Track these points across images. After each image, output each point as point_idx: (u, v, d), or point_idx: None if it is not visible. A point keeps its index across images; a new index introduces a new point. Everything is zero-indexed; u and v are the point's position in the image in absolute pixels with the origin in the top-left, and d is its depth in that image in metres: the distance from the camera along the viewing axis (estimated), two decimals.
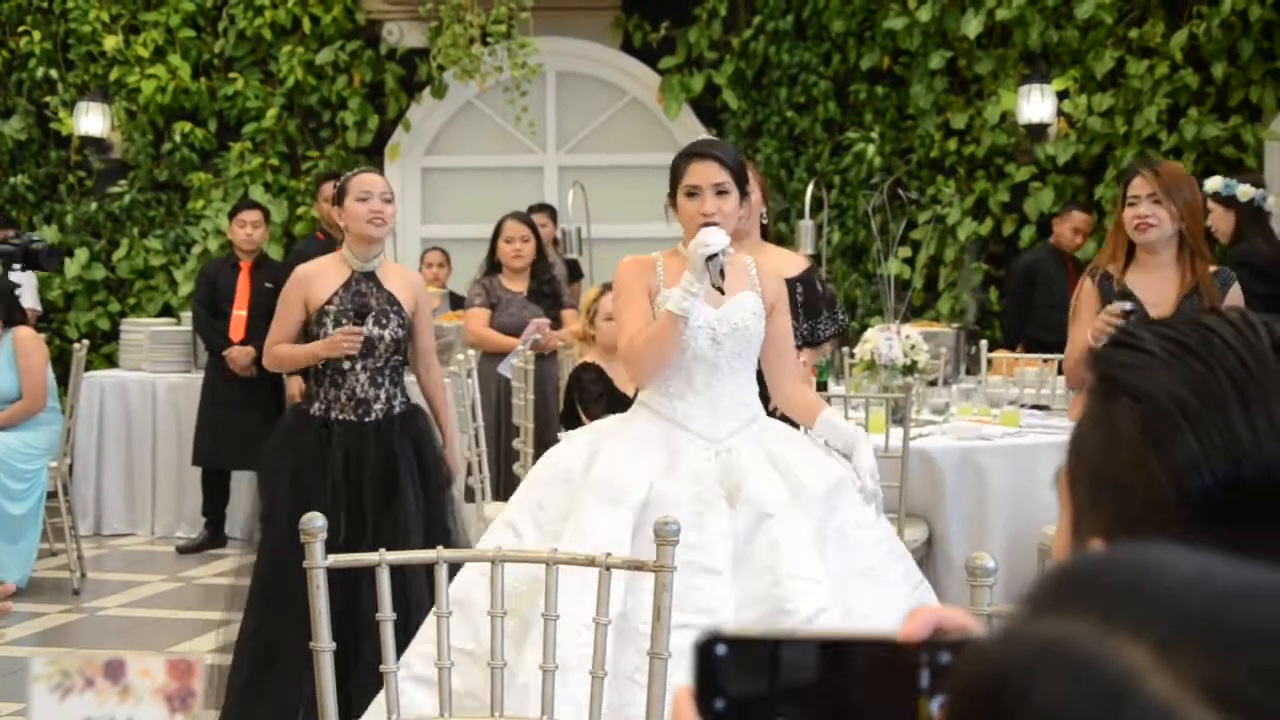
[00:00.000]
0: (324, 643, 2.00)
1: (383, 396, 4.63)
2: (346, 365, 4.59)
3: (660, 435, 3.59)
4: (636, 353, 3.62)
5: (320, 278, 4.67)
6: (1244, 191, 6.73)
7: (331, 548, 4.23)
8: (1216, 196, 6.81)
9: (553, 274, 7.22)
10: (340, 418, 4.60)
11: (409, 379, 4.86)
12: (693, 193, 3.68)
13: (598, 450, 3.58)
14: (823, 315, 4.83)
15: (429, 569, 4.08)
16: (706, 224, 3.60)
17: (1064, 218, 8.53)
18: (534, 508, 3.54)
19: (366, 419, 4.60)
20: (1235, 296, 4.41)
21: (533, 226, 7.14)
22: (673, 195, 3.76)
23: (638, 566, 2.03)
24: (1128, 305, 4.20)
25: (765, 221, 4.72)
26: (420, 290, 4.80)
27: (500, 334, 6.82)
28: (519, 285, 7.04)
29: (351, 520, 4.46)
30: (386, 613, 2.09)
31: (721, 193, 3.66)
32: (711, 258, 3.47)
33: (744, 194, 3.76)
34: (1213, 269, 4.41)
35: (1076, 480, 0.95)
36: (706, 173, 3.67)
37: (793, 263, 4.81)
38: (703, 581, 3.24)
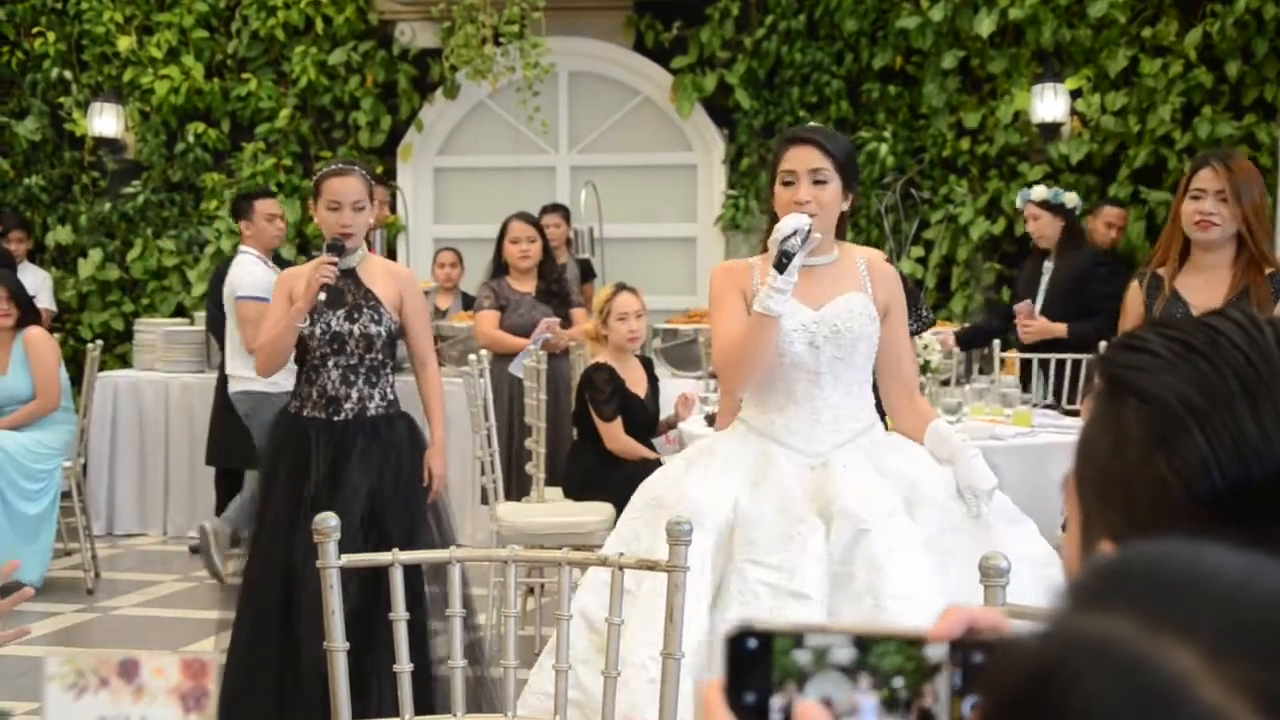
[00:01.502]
0: (338, 642, 2.00)
1: (354, 396, 4.46)
2: (316, 361, 4.45)
3: (753, 451, 3.38)
4: (728, 359, 3.40)
5: (302, 277, 4.52)
6: (1070, 198, 7.14)
7: (288, 550, 4.24)
8: (1045, 204, 7.04)
9: (561, 274, 7.23)
10: (311, 415, 4.48)
11: (405, 381, 4.71)
12: (788, 180, 3.40)
13: (688, 472, 3.41)
14: (909, 312, 4.77)
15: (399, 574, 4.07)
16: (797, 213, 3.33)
17: (1098, 212, 8.51)
18: (631, 539, 3.34)
19: (336, 418, 4.45)
20: None
21: (538, 227, 7.15)
22: (770, 184, 3.49)
23: (650, 566, 2.03)
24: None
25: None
26: (408, 286, 4.63)
27: (511, 335, 6.82)
28: (527, 286, 7.05)
29: (302, 520, 4.25)
30: (400, 612, 2.09)
31: (819, 181, 3.38)
32: (785, 239, 3.22)
33: (851, 186, 3.46)
34: (1268, 271, 4.07)
35: (1085, 483, 0.95)
36: (804, 158, 3.39)
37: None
38: (790, 606, 3.03)
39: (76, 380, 7.61)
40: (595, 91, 10.16)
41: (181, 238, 10.30)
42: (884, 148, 9.30)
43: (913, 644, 0.76)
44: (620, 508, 4.74)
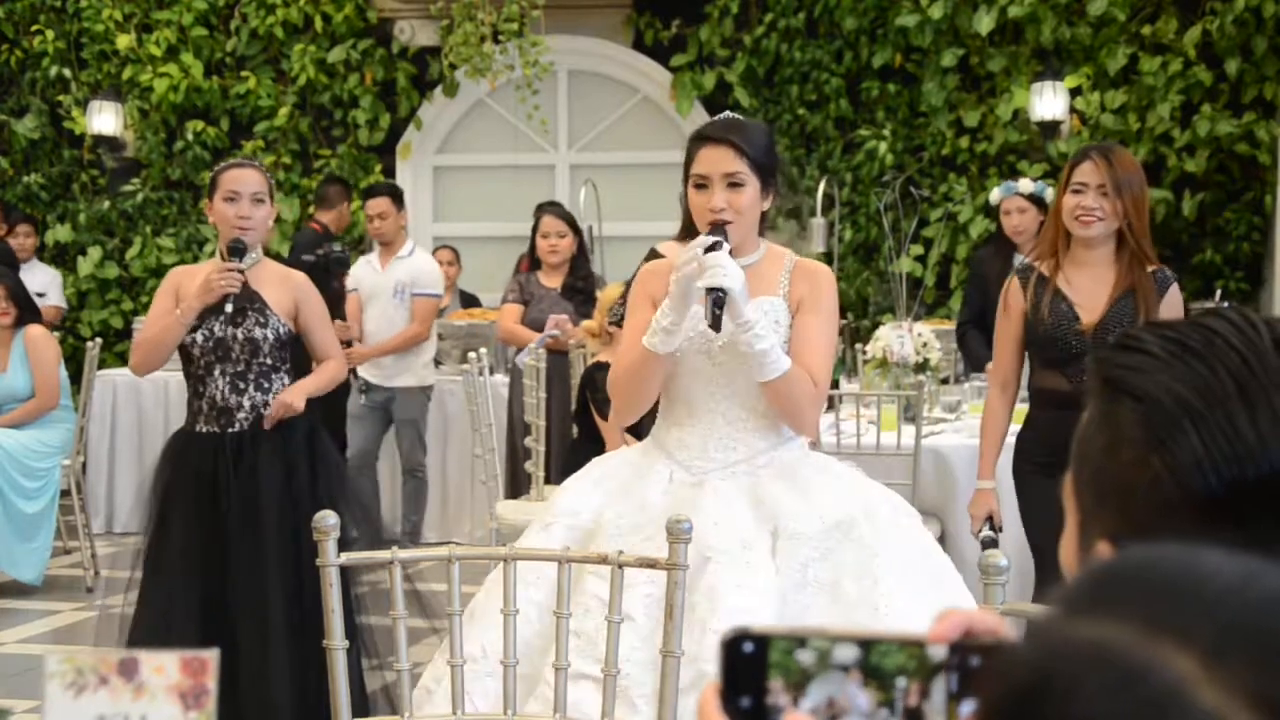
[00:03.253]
0: (337, 640, 2.01)
1: (246, 404, 4.19)
2: (202, 370, 4.19)
3: (638, 463, 3.16)
4: (614, 387, 3.16)
5: (191, 277, 4.27)
6: (1050, 193, 7.03)
7: (187, 571, 4.00)
8: (1031, 197, 6.95)
9: (590, 271, 7.20)
10: (203, 429, 4.20)
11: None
12: (701, 184, 3.10)
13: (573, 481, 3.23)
14: None
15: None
16: (713, 226, 3.04)
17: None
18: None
19: (229, 429, 4.18)
20: (1175, 299, 4.04)
21: (571, 222, 7.12)
22: (684, 183, 3.21)
23: (650, 564, 2.03)
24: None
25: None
26: (302, 291, 4.34)
27: (529, 330, 6.81)
28: (554, 281, 7.03)
29: (209, 543, 4.09)
30: (399, 610, 2.10)
31: (735, 185, 3.07)
32: (711, 290, 2.89)
33: (769, 184, 3.15)
34: (1150, 268, 4.00)
35: (1081, 483, 0.96)
36: (717, 160, 3.08)
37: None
38: (618, 628, 2.70)
39: (76, 378, 7.61)
40: (594, 90, 10.16)
41: (181, 236, 10.30)
42: (883, 146, 9.30)
43: (914, 644, 0.76)
44: None
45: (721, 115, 3.28)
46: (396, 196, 7.81)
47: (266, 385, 4.23)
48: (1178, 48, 8.89)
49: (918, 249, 9.29)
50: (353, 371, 7.38)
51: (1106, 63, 8.99)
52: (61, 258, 10.47)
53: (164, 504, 4.18)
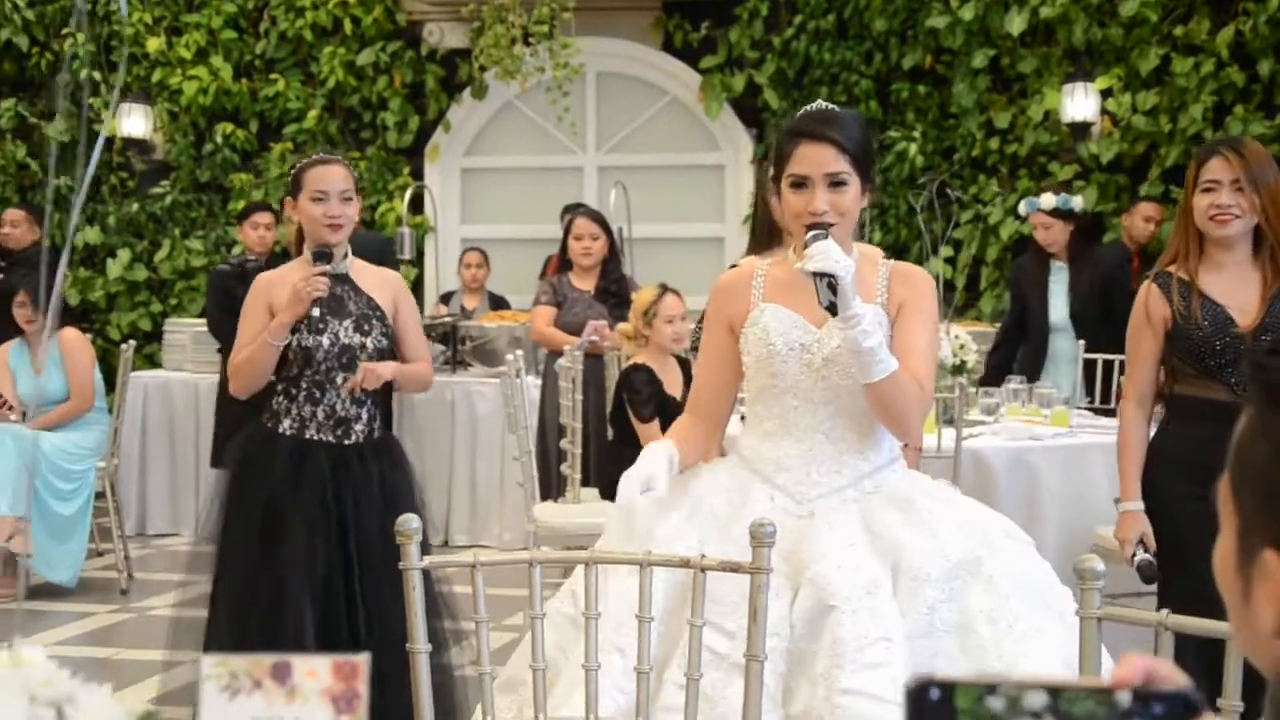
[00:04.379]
0: (420, 644, 2.00)
1: (364, 417, 4.08)
2: (322, 377, 4.03)
3: (734, 489, 2.91)
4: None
5: (284, 284, 4.07)
6: (1078, 202, 7.01)
7: (307, 573, 3.82)
8: (1056, 211, 6.87)
9: (621, 273, 7.17)
10: (318, 438, 4.04)
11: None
12: (799, 183, 2.87)
13: (657, 508, 2.92)
14: None
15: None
16: (813, 226, 2.82)
17: (1133, 210, 8.46)
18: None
19: (347, 441, 4.05)
20: None
21: (603, 224, 7.10)
22: (776, 181, 2.97)
23: (734, 569, 2.02)
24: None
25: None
26: (400, 290, 4.26)
27: (564, 333, 6.80)
28: (587, 284, 7.00)
29: (332, 556, 3.96)
30: (482, 613, 2.09)
31: (837, 184, 2.86)
32: (821, 276, 2.72)
33: (868, 180, 2.95)
34: None
35: (1242, 490, 0.94)
36: (818, 158, 2.86)
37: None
38: (735, 681, 2.43)
39: (106, 381, 7.62)
40: (623, 92, 10.15)
41: (209, 238, 10.33)
42: (913, 147, 9.28)
43: (1102, 691, 0.76)
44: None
45: (814, 105, 3.03)
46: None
47: (378, 398, 4.14)
48: (1210, 48, 8.85)
49: (948, 251, 9.27)
50: None
51: (1138, 63, 8.95)
52: (90, 260, 10.50)
53: (268, 508, 4.00)
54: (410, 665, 1.98)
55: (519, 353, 6.01)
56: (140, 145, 10.27)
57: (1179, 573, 3.73)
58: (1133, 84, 9.01)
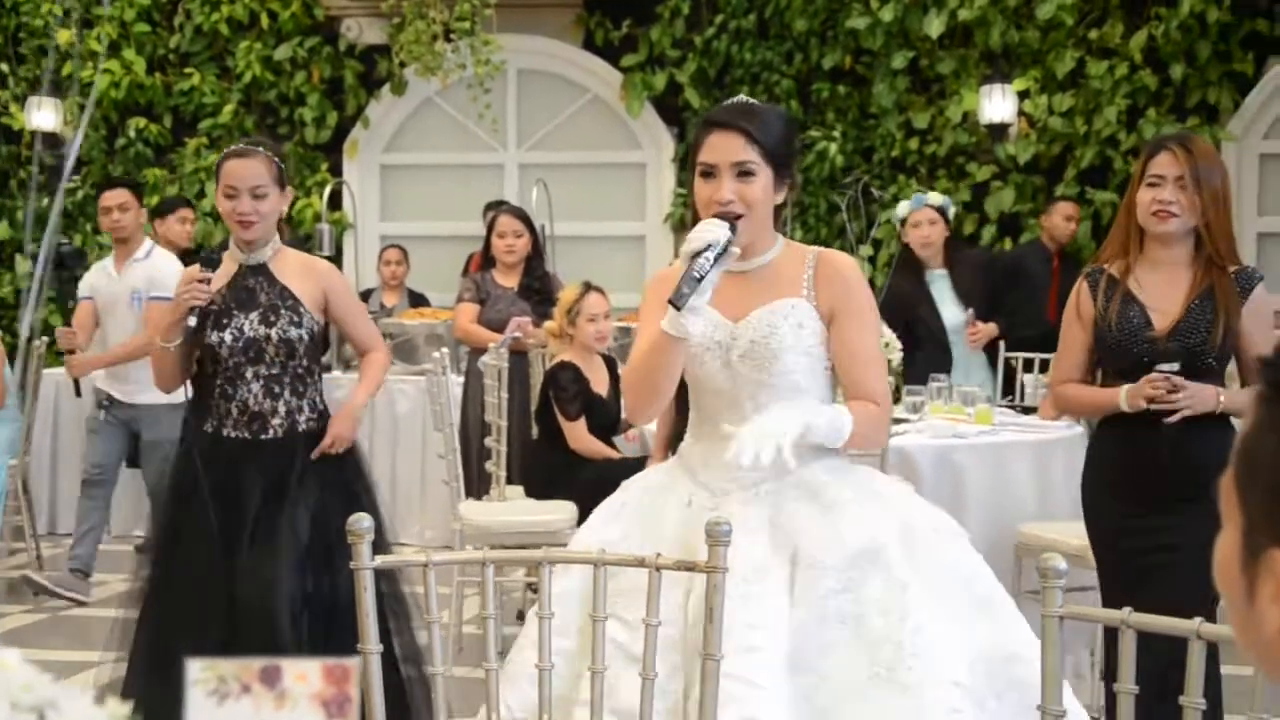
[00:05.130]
0: (371, 644, 1.97)
1: (281, 409, 3.96)
2: (231, 372, 3.95)
3: (661, 486, 2.91)
4: (627, 380, 2.97)
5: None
6: (950, 205, 7.04)
7: (208, 573, 3.76)
8: (941, 210, 6.86)
9: (545, 270, 7.14)
10: (233, 435, 3.96)
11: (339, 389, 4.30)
12: (707, 172, 2.84)
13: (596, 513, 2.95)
14: None
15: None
16: (718, 215, 2.79)
17: (1051, 209, 8.56)
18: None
19: (264, 436, 3.96)
20: (1261, 301, 3.69)
21: (527, 221, 7.06)
22: (690, 174, 2.94)
23: (689, 568, 2.01)
24: (1174, 366, 3.59)
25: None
26: (330, 279, 4.09)
27: (487, 330, 6.76)
28: (510, 281, 6.96)
29: (231, 547, 3.88)
30: (434, 614, 2.06)
31: (745, 174, 2.81)
32: (698, 253, 2.67)
33: (784, 174, 2.89)
34: (1231, 269, 3.66)
35: (1247, 488, 0.94)
36: (726, 147, 2.82)
37: None
38: (626, 672, 2.47)
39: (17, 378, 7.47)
40: (545, 89, 10.12)
41: None
42: (834, 147, 9.34)
43: None
44: (583, 506, 4.70)
45: (735, 99, 3.02)
46: (138, 191, 7.11)
47: (301, 390, 4.00)
48: (1124, 52, 8.99)
49: (867, 250, 9.33)
50: (78, 383, 6.94)
51: (1054, 66, 9.07)
52: None
53: (181, 506, 3.99)
54: (363, 667, 1.95)
55: (444, 350, 5.97)
56: (50, 139, 10.08)
57: (1111, 589, 3.77)
58: (1049, 86, 9.12)
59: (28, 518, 7.01)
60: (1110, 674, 3.68)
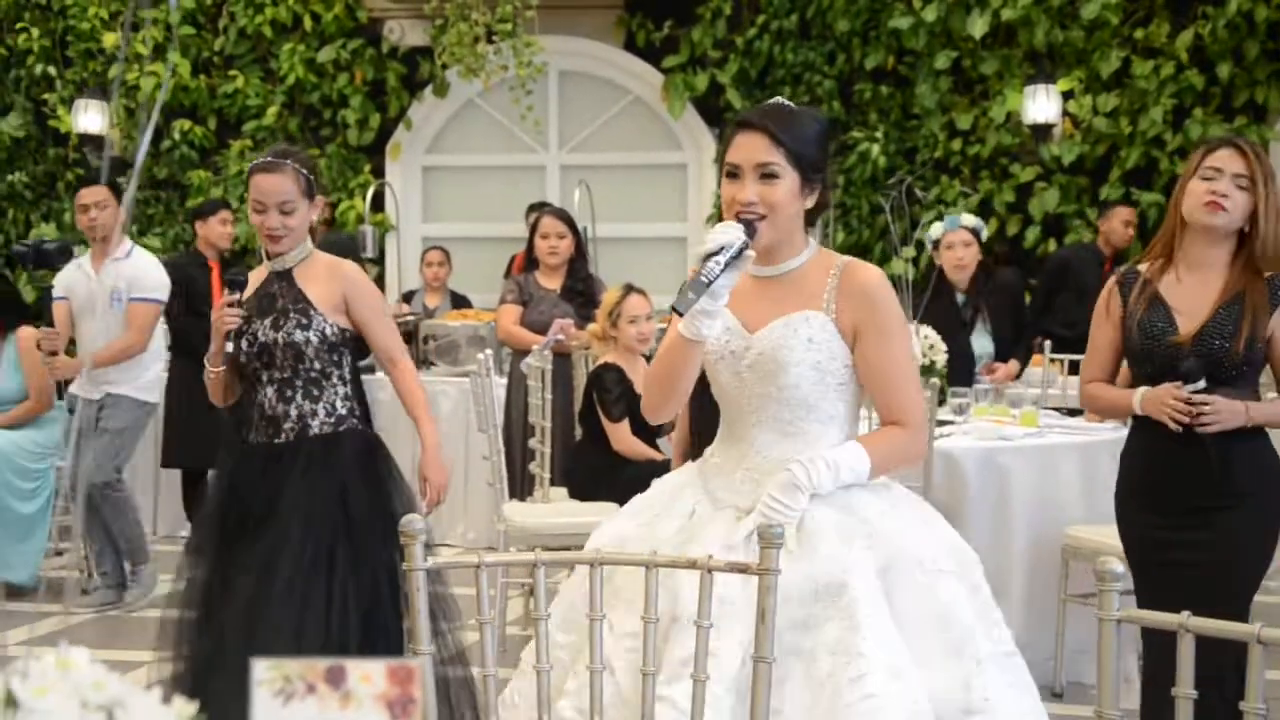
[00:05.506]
0: (423, 645, 1.97)
1: (293, 414, 3.96)
2: (251, 377, 3.99)
3: (674, 491, 2.87)
4: (645, 380, 2.93)
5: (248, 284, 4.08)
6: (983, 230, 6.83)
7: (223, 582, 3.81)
8: (975, 232, 6.69)
9: (589, 272, 7.13)
10: (256, 440, 4.00)
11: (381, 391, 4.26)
12: (732, 173, 2.79)
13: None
14: None
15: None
16: (739, 215, 2.74)
17: (1110, 214, 8.44)
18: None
19: (277, 440, 3.97)
20: None
21: (570, 223, 7.06)
22: (719, 176, 2.91)
23: (741, 569, 2.01)
24: (1199, 385, 3.50)
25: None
26: (352, 284, 4.06)
27: (530, 332, 6.76)
28: (553, 282, 6.96)
29: (220, 555, 3.93)
30: (485, 614, 2.06)
31: (768, 176, 2.75)
32: (710, 256, 2.61)
33: (812, 179, 2.81)
34: (1267, 274, 3.55)
35: None
36: (750, 148, 2.77)
37: None
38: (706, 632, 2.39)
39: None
40: (586, 90, 10.14)
41: (167, 235, 10.23)
42: (876, 148, 9.31)
43: None
44: None
45: (771, 100, 2.95)
46: (116, 190, 7.01)
47: (315, 393, 3.99)
48: (1170, 51, 8.92)
49: (910, 251, 9.29)
50: (61, 385, 6.87)
51: (1099, 66, 9.01)
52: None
53: (211, 513, 4.05)
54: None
55: (488, 352, 5.97)
56: (96, 141, 10.16)
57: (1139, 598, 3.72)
58: (1093, 86, 9.07)
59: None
60: (1150, 678, 3.65)
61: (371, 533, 3.90)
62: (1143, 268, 3.69)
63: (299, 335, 3.95)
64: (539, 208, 8.92)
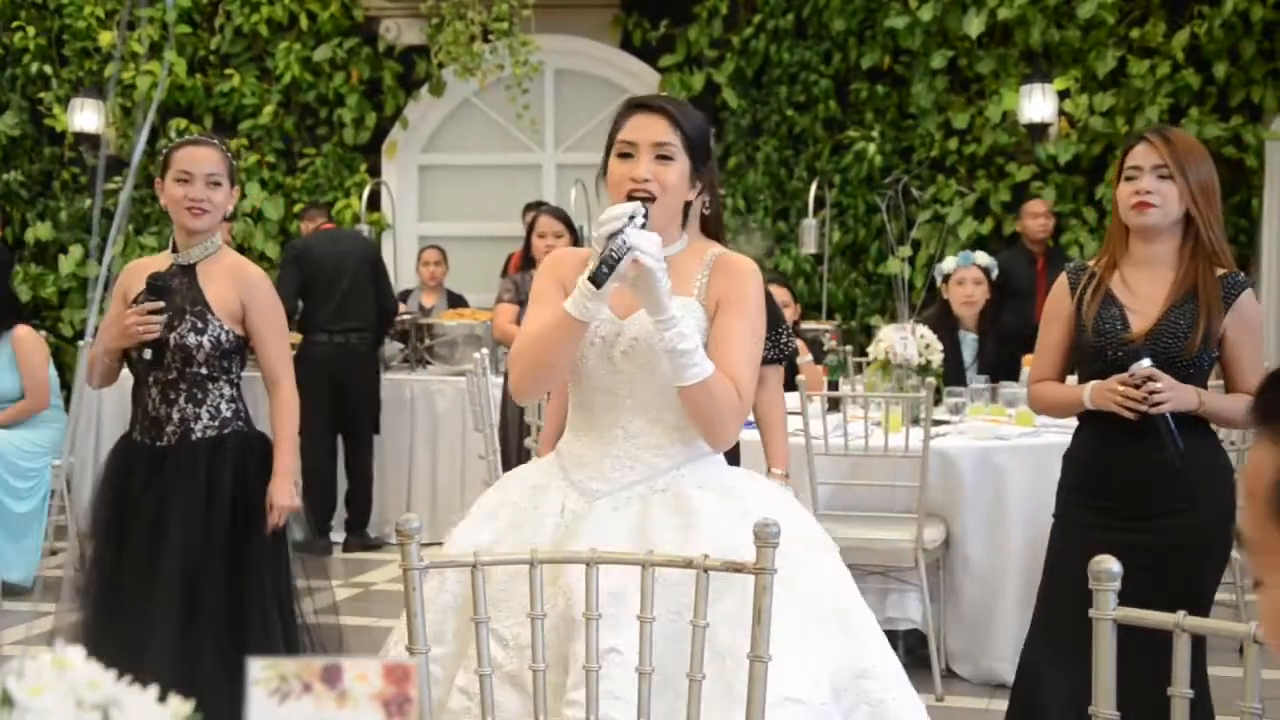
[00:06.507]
0: (419, 644, 1.98)
1: (175, 417, 3.82)
2: (138, 376, 3.88)
3: (535, 488, 2.79)
4: (514, 358, 2.81)
5: (141, 272, 3.91)
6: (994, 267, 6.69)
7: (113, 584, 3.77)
8: (987, 271, 6.55)
9: None
10: (139, 440, 3.88)
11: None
12: (626, 152, 2.76)
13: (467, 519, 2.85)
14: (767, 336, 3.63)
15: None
16: (632, 194, 2.70)
17: (1021, 210, 8.65)
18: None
19: (158, 443, 3.84)
20: (1248, 309, 3.49)
21: (567, 222, 7.06)
22: (605, 157, 2.84)
23: (736, 569, 2.01)
24: (1144, 364, 3.37)
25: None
26: (253, 289, 3.91)
27: None
28: None
29: (127, 554, 3.85)
30: (482, 614, 2.06)
31: (664, 157, 2.75)
32: (613, 235, 2.52)
33: (700, 169, 2.82)
34: (1220, 272, 3.46)
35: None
36: (648, 128, 2.76)
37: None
38: (507, 690, 2.47)
39: (60, 377, 7.52)
40: (582, 90, 10.14)
41: (163, 235, 10.20)
42: (872, 147, 9.31)
43: None
44: None
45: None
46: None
47: (199, 396, 3.86)
48: (1166, 51, 8.92)
49: (905, 250, 9.29)
50: None
51: (1095, 65, 9.01)
52: (42, 256, 10.37)
53: (99, 512, 3.98)
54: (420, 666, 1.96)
55: (485, 351, 5.98)
56: (92, 140, 10.15)
57: (1048, 593, 3.63)
58: (1090, 85, 9.07)
59: (72, 517, 7.06)
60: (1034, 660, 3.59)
61: (255, 533, 3.83)
62: (1093, 263, 3.64)
63: (191, 339, 3.83)
64: (536, 207, 8.91)
